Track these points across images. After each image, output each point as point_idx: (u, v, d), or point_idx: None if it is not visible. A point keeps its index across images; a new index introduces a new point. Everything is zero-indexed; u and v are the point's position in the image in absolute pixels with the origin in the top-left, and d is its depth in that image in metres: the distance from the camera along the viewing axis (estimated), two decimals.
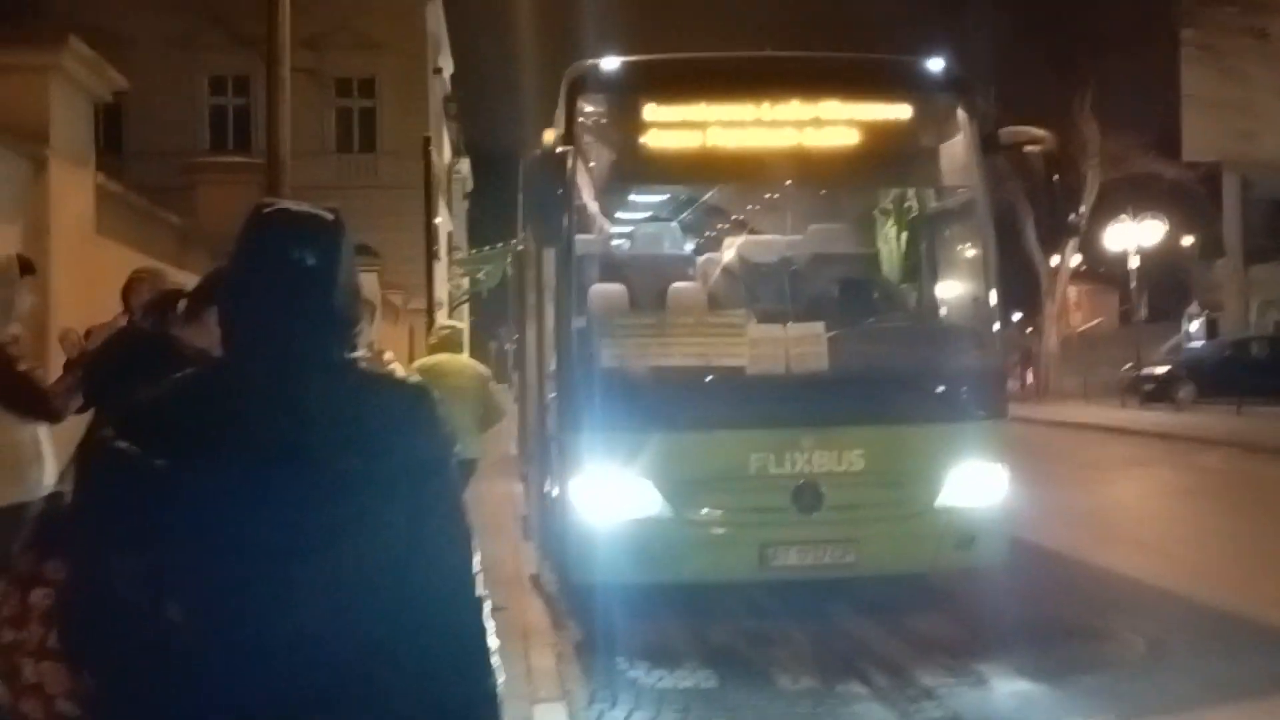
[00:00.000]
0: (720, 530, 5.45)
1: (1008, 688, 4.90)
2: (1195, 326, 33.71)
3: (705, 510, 5.40)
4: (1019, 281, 29.15)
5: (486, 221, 33.86)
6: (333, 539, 1.36)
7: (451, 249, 33.29)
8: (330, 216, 1.50)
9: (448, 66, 33.39)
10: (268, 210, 1.51)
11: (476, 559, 1.49)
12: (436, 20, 29.37)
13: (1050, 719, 4.49)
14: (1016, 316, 42.93)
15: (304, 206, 1.52)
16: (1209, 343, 28.99)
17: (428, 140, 20.44)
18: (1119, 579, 7.10)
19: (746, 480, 5.37)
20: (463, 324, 34.04)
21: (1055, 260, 27.58)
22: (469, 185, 40.57)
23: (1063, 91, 27.27)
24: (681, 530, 5.30)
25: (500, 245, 23.78)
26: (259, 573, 1.33)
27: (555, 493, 6.03)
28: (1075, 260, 30.72)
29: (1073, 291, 40.95)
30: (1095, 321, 46.64)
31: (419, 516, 1.42)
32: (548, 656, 5.01)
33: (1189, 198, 29.65)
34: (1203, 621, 6.02)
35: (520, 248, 10.26)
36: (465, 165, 38.47)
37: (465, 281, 32.35)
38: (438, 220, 23.45)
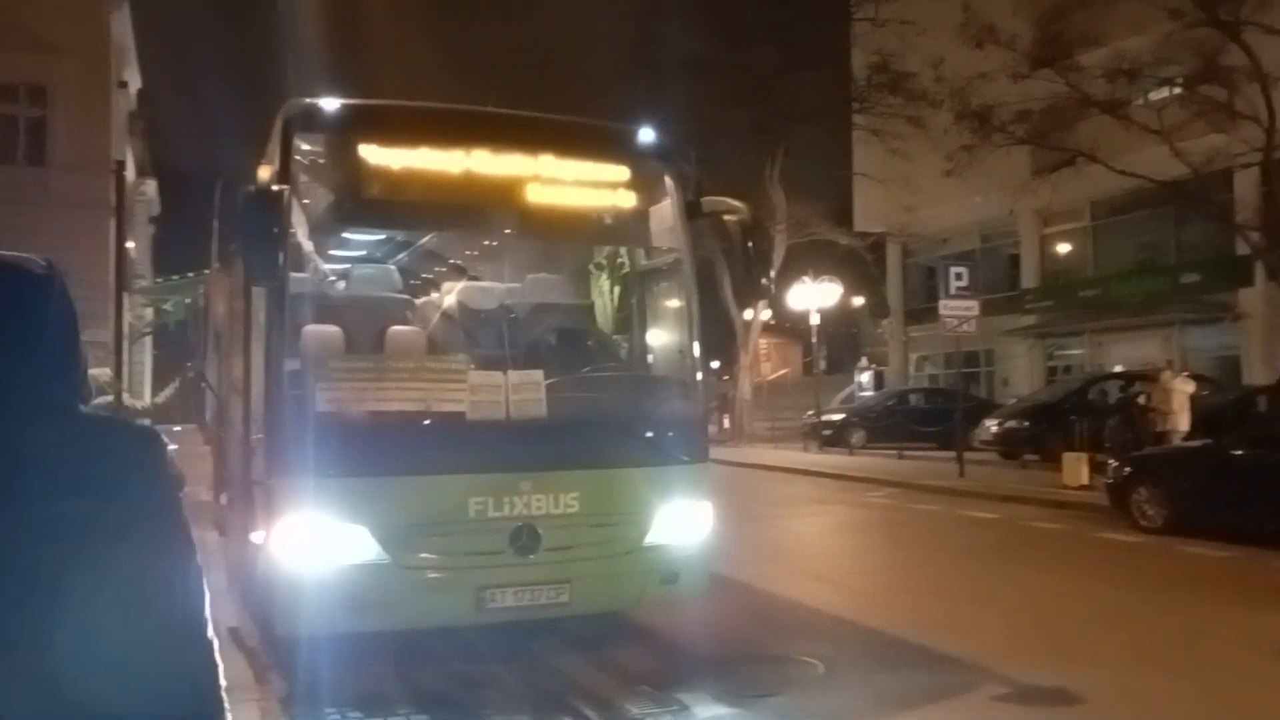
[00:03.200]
0: (437, 575, 5.44)
1: (705, 713, 5.25)
2: (865, 378, 37.47)
3: (423, 555, 5.37)
4: (717, 333, 31.19)
5: (174, 248, 31.58)
6: (51, 583, 1.33)
7: (134, 276, 30.69)
8: (40, 269, 1.48)
9: (134, 81, 30.93)
10: None
11: (207, 601, 1.49)
12: (123, 31, 27.15)
13: None
14: (715, 365, 45.94)
15: (10, 256, 1.50)
16: (877, 393, 32.29)
17: (121, 164, 18.73)
18: (800, 607, 7.79)
19: (465, 524, 5.40)
20: (143, 358, 31.22)
21: (749, 315, 29.76)
22: (155, 208, 37.58)
23: (757, 159, 29.74)
24: (397, 576, 5.24)
25: (191, 275, 22.25)
26: None
27: (260, 540, 5.76)
28: (766, 315, 33.29)
29: (764, 343, 44.22)
30: (783, 371, 50.62)
31: (149, 560, 1.41)
32: (250, 712, 4.78)
33: (860, 263, 33.11)
34: (872, 643, 6.75)
35: (213, 278, 9.72)
36: (151, 187, 35.64)
37: (148, 311, 29.88)
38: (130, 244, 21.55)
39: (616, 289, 7.59)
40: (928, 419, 23.43)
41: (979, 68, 18.78)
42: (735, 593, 7.88)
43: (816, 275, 28.93)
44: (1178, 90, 17.72)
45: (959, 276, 17.01)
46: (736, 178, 29.38)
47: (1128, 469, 11.84)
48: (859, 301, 45.93)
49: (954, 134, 19.52)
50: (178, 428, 17.94)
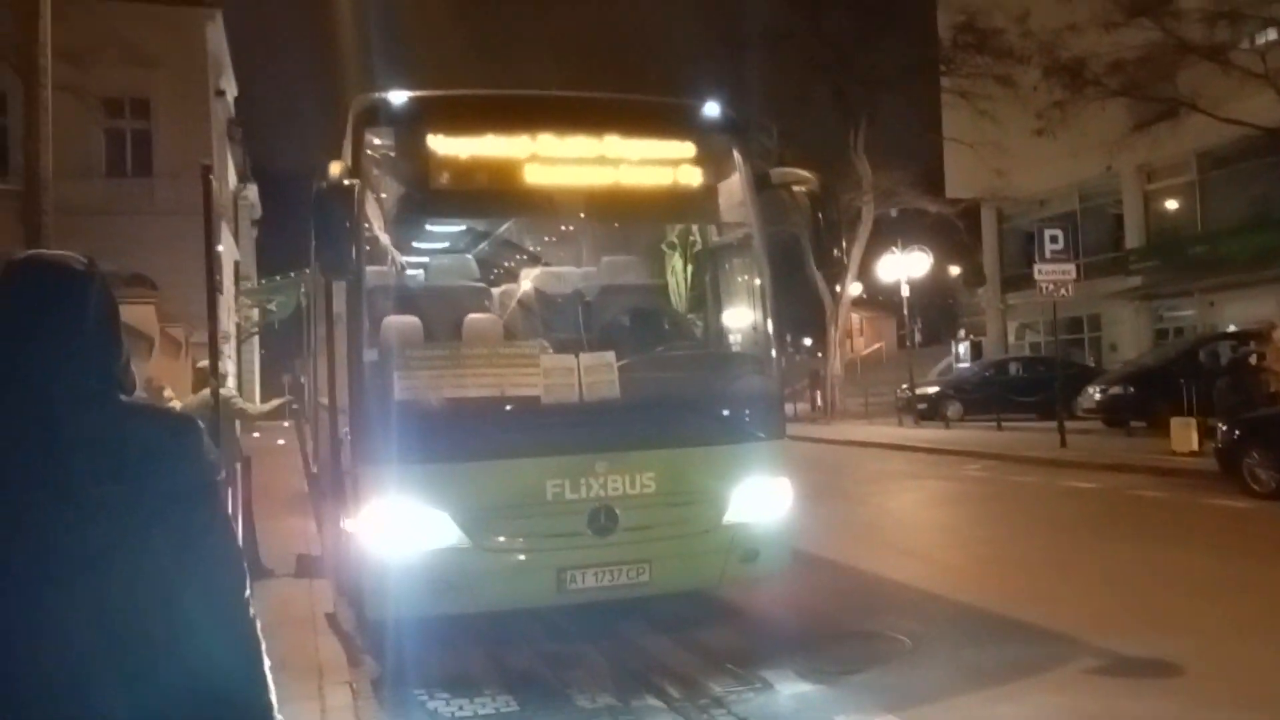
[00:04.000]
0: (518, 557, 5.54)
1: (789, 690, 5.24)
2: (962, 349, 36.61)
3: (502, 538, 5.48)
4: (808, 309, 30.92)
5: (276, 249, 32.64)
6: (93, 565, 1.41)
7: (239, 278, 31.84)
8: (80, 265, 1.57)
9: (231, 89, 32.02)
10: (15, 260, 1.57)
11: (248, 582, 1.56)
12: (218, 41, 28.13)
13: (826, 717, 4.81)
14: (808, 342, 45.42)
15: (55, 255, 1.60)
16: (973, 364, 31.52)
17: (208, 167, 19.46)
18: (888, 583, 7.69)
19: (543, 506, 5.49)
20: (251, 357, 32.43)
21: (838, 289, 29.34)
22: (257, 212, 38.95)
23: (842, 129, 29.23)
24: (479, 559, 5.36)
25: (292, 274, 22.95)
26: (15, 601, 1.36)
27: (350, 527, 5.96)
28: (856, 289, 32.75)
29: (856, 318, 43.60)
30: (876, 346, 49.86)
31: (187, 542, 1.48)
32: (343, 694, 4.94)
33: (952, 231, 32.27)
34: (961, 618, 6.62)
35: (311, 278, 10.02)
36: (252, 191, 36.94)
37: (255, 312, 30.97)
38: (220, 248, 22.38)
39: (690, 267, 7.57)
40: (1027, 388, 22.77)
41: (1068, 19, 18.06)
42: (821, 570, 7.82)
43: (905, 245, 28.32)
44: None
45: (1054, 239, 16.45)
46: (821, 149, 29.02)
47: (1238, 432, 11.32)
48: (955, 271, 44.89)
49: (1044, 91, 18.84)
50: (286, 423, 18.66)
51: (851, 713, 4.84)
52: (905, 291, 27.51)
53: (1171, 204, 29.03)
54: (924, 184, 30.87)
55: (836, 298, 29.55)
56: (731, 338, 7.05)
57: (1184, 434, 13.91)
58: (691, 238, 7.49)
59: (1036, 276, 16.45)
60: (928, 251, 29.13)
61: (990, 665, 5.47)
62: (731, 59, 29.97)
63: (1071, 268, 16.47)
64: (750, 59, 29.50)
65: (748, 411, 6.20)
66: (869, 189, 28.54)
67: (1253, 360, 14.80)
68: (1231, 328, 21.54)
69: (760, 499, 5.91)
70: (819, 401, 30.17)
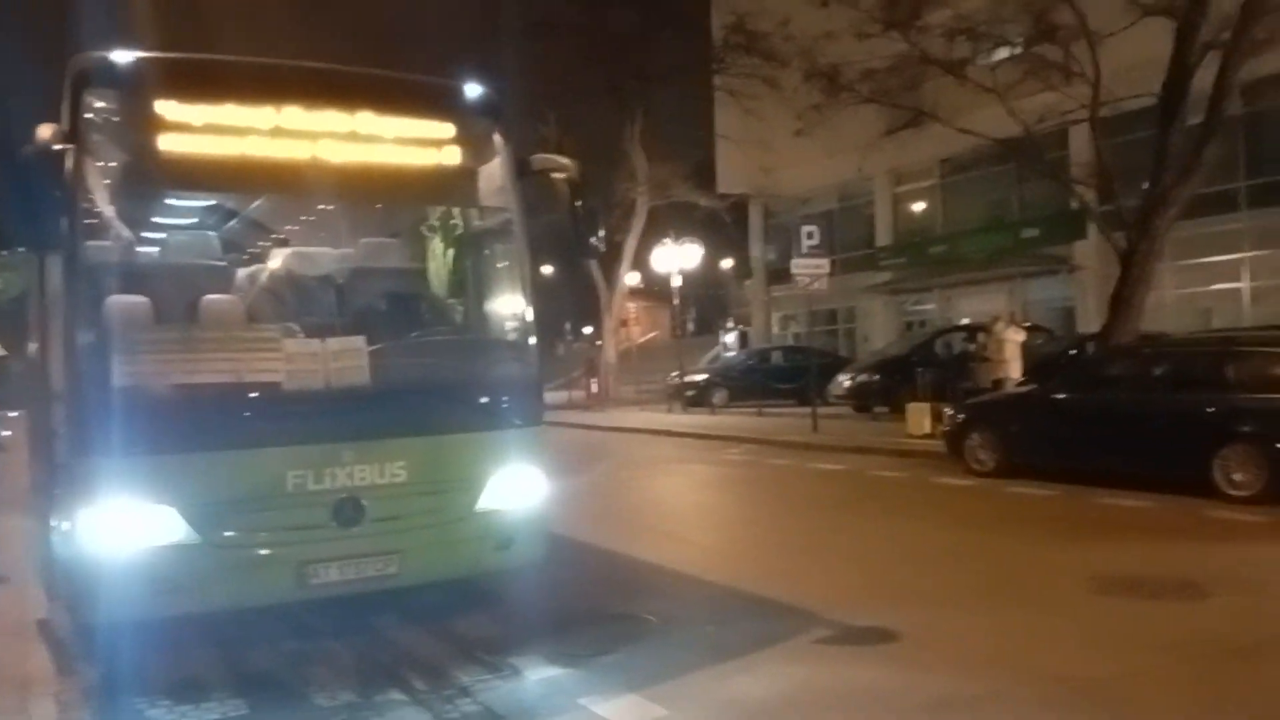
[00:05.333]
0: (254, 552, 5.22)
1: (537, 675, 5.25)
2: (730, 339, 38.12)
3: (236, 533, 5.15)
4: (587, 298, 31.20)
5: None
6: None
7: None
8: None
9: None
10: None
11: None
12: None
13: (572, 700, 4.86)
14: (588, 330, 45.89)
15: None
16: (740, 353, 32.88)
17: None
18: (645, 566, 7.87)
19: (283, 498, 5.21)
20: None
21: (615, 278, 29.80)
22: None
23: (619, 120, 29.64)
24: (208, 556, 5.01)
25: (21, 250, 20.86)
26: None
27: (66, 526, 5.44)
28: (634, 279, 33.40)
29: (632, 307, 44.37)
30: (652, 334, 51.03)
31: None
32: (48, 707, 4.52)
33: (723, 225, 33.49)
34: (711, 596, 6.87)
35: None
36: None
37: None
38: None
39: (450, 252, 7.40)
40: (787, 376, 23.97)
41: (826, 26, 19.07)
42: (582, 555, 7.90)
43: (678, 237, 29.12)
44: (1015, 50, 18.40)
45: (810, 235, 17.38)
46: (601, 139, 29.39)
47: (962, 416, 12.38)
48: (728, 263, 46.65)
49: (804, 94, 19.80)
50: (14, 414, 16.85)
51: (597, 694, 4.91)
52: (678, 282, 28.30)
53: (917, 206, 31.39)
54: (697, 178, 31.85)
55: (612, 287, 30.00)
56: (490, 324, 6.95)
57: (918, 418, 15.09)
58: (452, 221, 7.34)
59: (793, 270, 17.34)
60: (700, 243, 30.10)
61: (733, 641, 5.69)
62: (511, 46, 29.73)
63: (826, 263, 17.46)
64: (531, 48, 29.37)
65: (505, 398, 6.13)
66: (644, 181, 29.13)
67: (975, 350, 16.28)
68: (965, 321, 23.55)
69: (516, 486, 5.87)
70: (594, 389, 30.58)
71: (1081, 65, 15.46)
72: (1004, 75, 17.34)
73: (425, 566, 5.67)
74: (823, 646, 5.59)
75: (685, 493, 12.85)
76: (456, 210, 7.12)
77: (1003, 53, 18.96)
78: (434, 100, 6.37)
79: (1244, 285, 23.56)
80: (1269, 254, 22.88)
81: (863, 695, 4.80)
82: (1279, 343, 9.90)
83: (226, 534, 5.11)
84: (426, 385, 5.94)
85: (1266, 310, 22.08)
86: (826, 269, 17.42)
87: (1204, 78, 13.89)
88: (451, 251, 7.33)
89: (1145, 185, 14.45)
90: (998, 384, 14.98)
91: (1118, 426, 10.35)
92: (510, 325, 6.70)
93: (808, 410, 18.22)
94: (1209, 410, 9.62)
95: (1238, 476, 9.27)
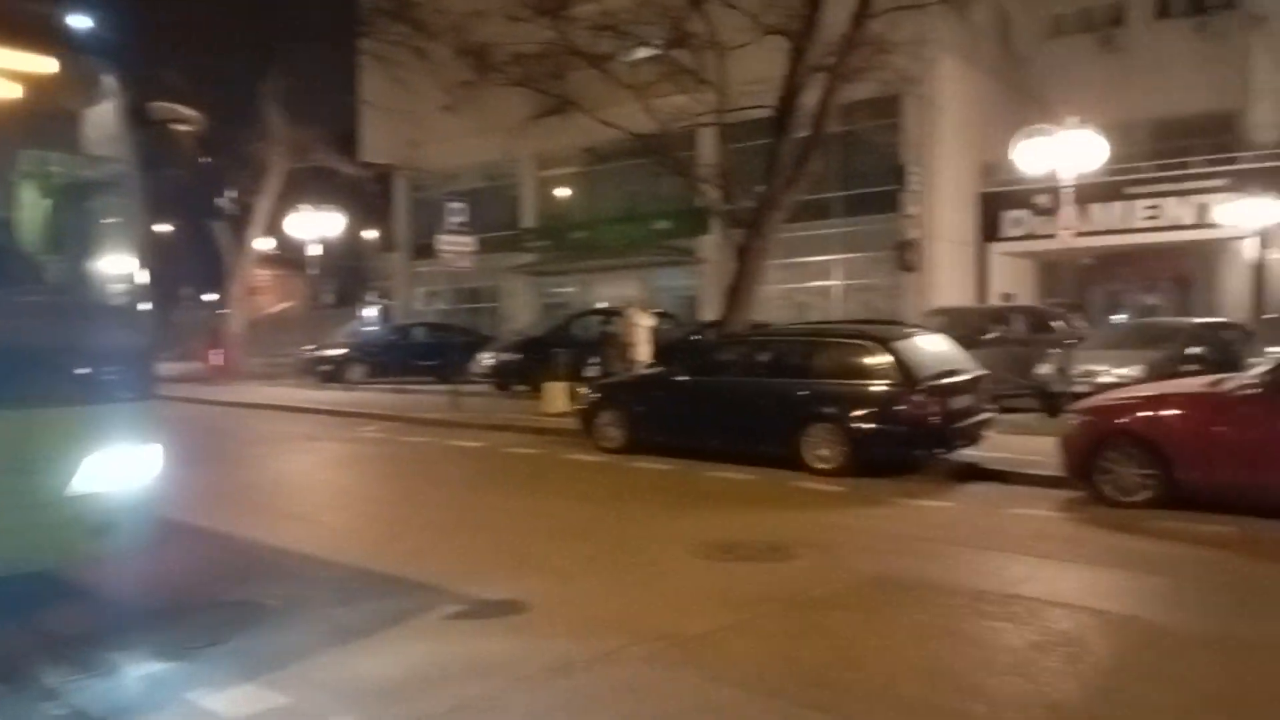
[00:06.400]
0: None
1: (139, 671, 4.85)
2: (368, 312, 37.09)
3: None
4: (214, 262, 28.84)
5: None
6: None
7: None
8: None
9: None
10: None
11: None
12: None
13: (177, 695, 4.55)
14: (213, 297, 42.48)
15: None
16: (381, 327, 32.11)
17: None
18: (268, 549, 7.50)
19: None
20: None
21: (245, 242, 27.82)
22: None
23: (257, 75, 27.64)
24: None
25: None
26: None
27: None
28: (267, 244, 31.37)
29: (266, 274, 41.74)
30: (286, 305, 48.30)
31: None
32: None
33: (367, 195, 32.44)
34: (339, 577, 6.69)
35: None
36: None
37: None
38: None
39: (48, 202, 6.57)
40: (429, 353, 23.79)
41: (477, 5, 19.07)
42: (198, 540, 7.40)
43: (319, 204, 27.83)
44: (655, 52, 19.48)
45: (455, 212, 17.37)
46: (236, 94, 27.23)
47: (594, 396, 13.02)
48: (373, 235, 45.24)
49: (454, 69, 19.68)
50: None
51: (208, 686, 4.63)
52: (317, 250, 27.06)
53: (560, 191, 32.35)
54: (340, 144, 30.55)
55: (241, 251, 28.02)
56: (94, 286, 6.25)
57: (554, 397, 15.64)
58: (51, 168, 6.51)
59: (438, 247, 17.25)
60: (342, 212, 28.95)
61: (359, 622, 5.60)
62: None
63: (471, 240, 17.54)
64: None
65: (108, 369, 5.56)
66: (282, 141, 27.45)
67: (609, 333, 17.16)
68: (601, 304, 24.67)
69: (119, 467, 5.36)
70: (217, 360, 28.42)
71: (711, 73, 16.71)
72: (643, 74, 18.34)
73: (6, 555, 5.03)
74: (454, 621, 5.66)
75: (315, 471, 12.38)
76: (56, 156, 6.35)
77: (644, 52, 20.02)
78: (26, 26, 5.61)
79: (835, 284, 26.79)
80: (856, 257, 26.18)
81: (488, 664, 4.93)
82: (857, 335, 11.32)
83: None
84: (12, 353, 5.25)
85: (853, 306, 25.31)
86: (471, 247, 17.50)
87: (813, 96, 15.57)
88: (49, 202, 6.51)
89: (759, 189, 15.94)
90: (629, 366, 15.88)
91: (727, 407, 11.39)
92: (118, 288, 6.07)
93: (449, 388, 18.22)
94: (798, 394, 10.86)
95: (822, 452, 10.56)
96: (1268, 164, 22.94)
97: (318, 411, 18.28)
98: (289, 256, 41.24)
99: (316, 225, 27.10)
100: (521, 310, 31.91)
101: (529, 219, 32.60)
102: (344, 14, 29.19)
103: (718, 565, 6.96)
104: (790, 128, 15.63)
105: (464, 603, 5.97)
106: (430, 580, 6.44)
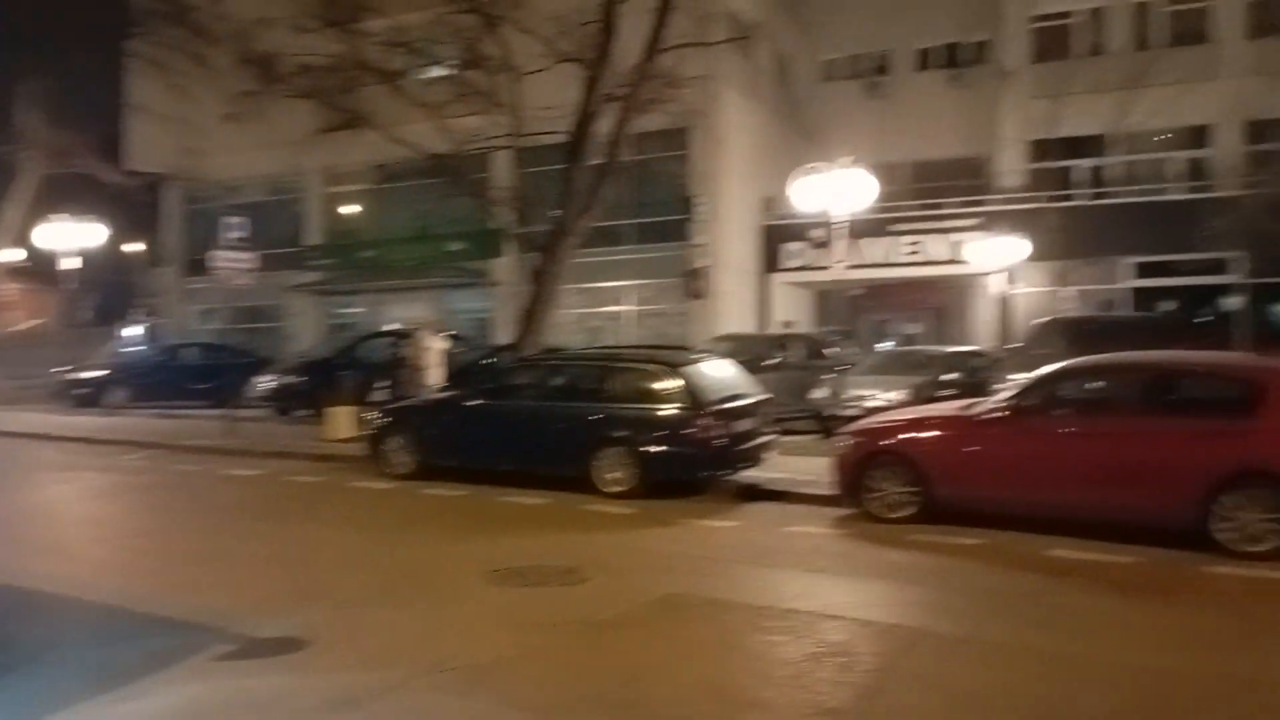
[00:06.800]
0: None
1: None
2: (133, 331, 34.56)
3: None
4: None
5: None
6: None
7: None
8: None
9: None
10: None
11: None
12: None
13: None
14: None
15: None
16: (147, 347, 29.99)
17: None
18: (19, 589, 6.86)
19: None
20: None
21: None
22: None
23: (13, 72, 25.38)
24: None
25: None
26: None
27: None
28: (17, 255, 28.74)
29: (15, 288, 38.24)
30: (37, 322, 44.26)
31: None
32: None
33: (136, 205, 30.31)
34: (103, 617, 6.22)
35: None
36: None
37: None
38: None
39: None
40: (203, 375, 22.40)
41: (263, 12, 18.30)
42: None
43: (79, 214, 25.75)
44: (450, 72, 19.29)
45: (234, 226, 16.55)
46: None
47: (383, 420, 12.69)
48: (136, 248, 42.22)
49: (237, 78, 18.76)
50: None
51: None
52: (74, 264, 25.01)
53: (349, 208, 31.38)
54: (107, 149, 28.41)
55: None
56: None
57: (339, 422, 15.12)
58: None
59: (214, 263, 16.35)
60: (106, 223, 26.91)
61: (123, 663, 5.23)
62: None
63: (251, 257, 16.74)
64: None
65: None
66: (37, 143, 25.26)
67: (399, 355, 16.79)
68: (390, 326, 24.06)
69: None
70: None
71: (505, 96, 16.76)
72: (437, 93, 18.15)
73: None
74: (230, 660, 5.39)
75: (73, 503, 11.38)
76: None
77: (437, 71, 19.84)
78: None
79: (627, 309, 27.34)
80: (648, 284, 26.82)
81: (263, 702, 4.73)
82: (648, 360, 11.60)
83: None
84: None
85: (644, 331, 25.90)
86: (251, 263, 16.69)
87: (606, 125, 15.89)
88: None
89: (554, 213, 16.08)
90: (419, 389, 15.56)
91: (520, 431, 11.39)
92: None
93: (223, 412, 17.22)
94: (591, 417, 11.01)
95: (613, 475, 10.74)
96: (1012, 206, 25.34)
97: (73, 439, 16.82)
98: (44, 269, 37.85)
99: (75, 236, 25.00)
100: (306, 331, 30.65)
101: (315, 236, 31.41)
102: (114, 12, 27.38)
103: (509, 591, 6.95)
104: (584, 154, 15.88)
105: (238, 640, 5.69)
106: (201, 617, 6.09)
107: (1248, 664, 5.43)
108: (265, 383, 20.09)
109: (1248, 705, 4.85)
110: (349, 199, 31.37)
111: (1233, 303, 23.74)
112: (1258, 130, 24.05)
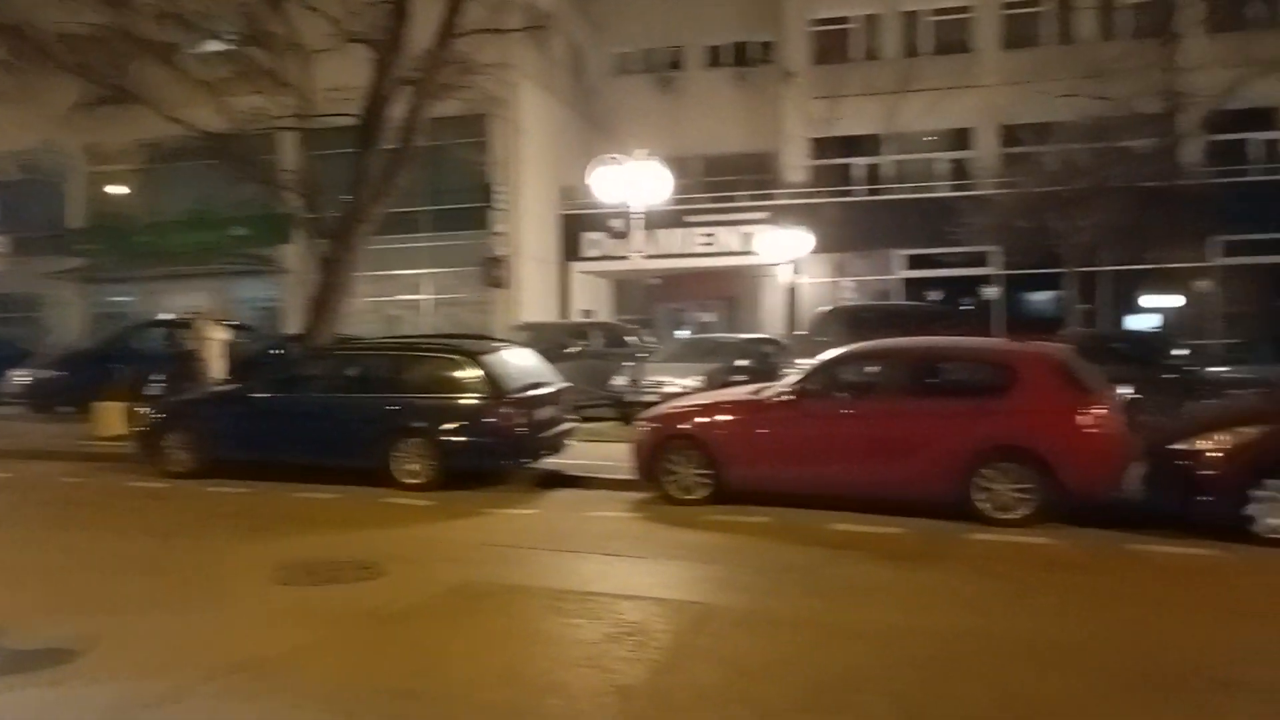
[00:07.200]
0: None
1: None
2: None
3: None
4: None
5: None
6: None
7: None
8: None
9: None
10: None
11: None
12: None
13: None
14: None
15: None
16: None
17: None
18: None
19: None
20: None
21: None
22: None
23: None
24: None
25: None
26: None
27: None
28: None
29: None
30: None
31: None
32: None
33: None
34: None
35: None
36: None
37: None
38: None
39: None
40: None
41: None
42: None
43: None
44: (230, 47, 18.22)
45: None
46: None
47: (159, 415, 11.94)
48: None
49: None
50: None
51: None
52: None
53: (118, 190, 29.13)
54: None
55: None
56: None
57: (107, 418, 14.09)
58: None
59: None
60: None
61: None
62: None
63: (3, 241, 15.27)
64: None
65: None
66: None
67: (177, 346, 15.80)
68: (166, 316, 22.57)
69: None
70: None
71: (292, 76, 16.04)
72: (216, 70, 17.18)
73: None
74: None
75: None
76: None
77: (215, 46, 18.76)
78: None
79: (425, 298, 26.82)
80: (446, 272, 26.42)
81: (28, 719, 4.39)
82: (447, 350, 11.43)
83: None
84: None
85: (442, 320, 25.50)
86: (2, 248, 15.24)
87: (400, 109, 15.49)
88: None
89: (345, 199, 15.55)
90: (200, 382, 14.72)
91: (313, 423, 11.00)
92: None
93: None
94: (387, 408, 10.78)
95: (412, 467, 10.56)
96: (797, 201, 26.61)
97: None
98: None
99: None
100: (71, 321, 28.30)
101: (78, 219, 29.02)
102: None
103: (299, 589, 6.72)
104: (376, 139, 15.43)
105: (2, 653, 5.24)
106: None
107: (1001, 622, 5.99)
108: (20, 378, 18.42)
109: (1001, 655, 5.36)
110: (117, 179, 29.12)
111: (991, 292, 25.91)
112: (1011, 134, 26.24)
